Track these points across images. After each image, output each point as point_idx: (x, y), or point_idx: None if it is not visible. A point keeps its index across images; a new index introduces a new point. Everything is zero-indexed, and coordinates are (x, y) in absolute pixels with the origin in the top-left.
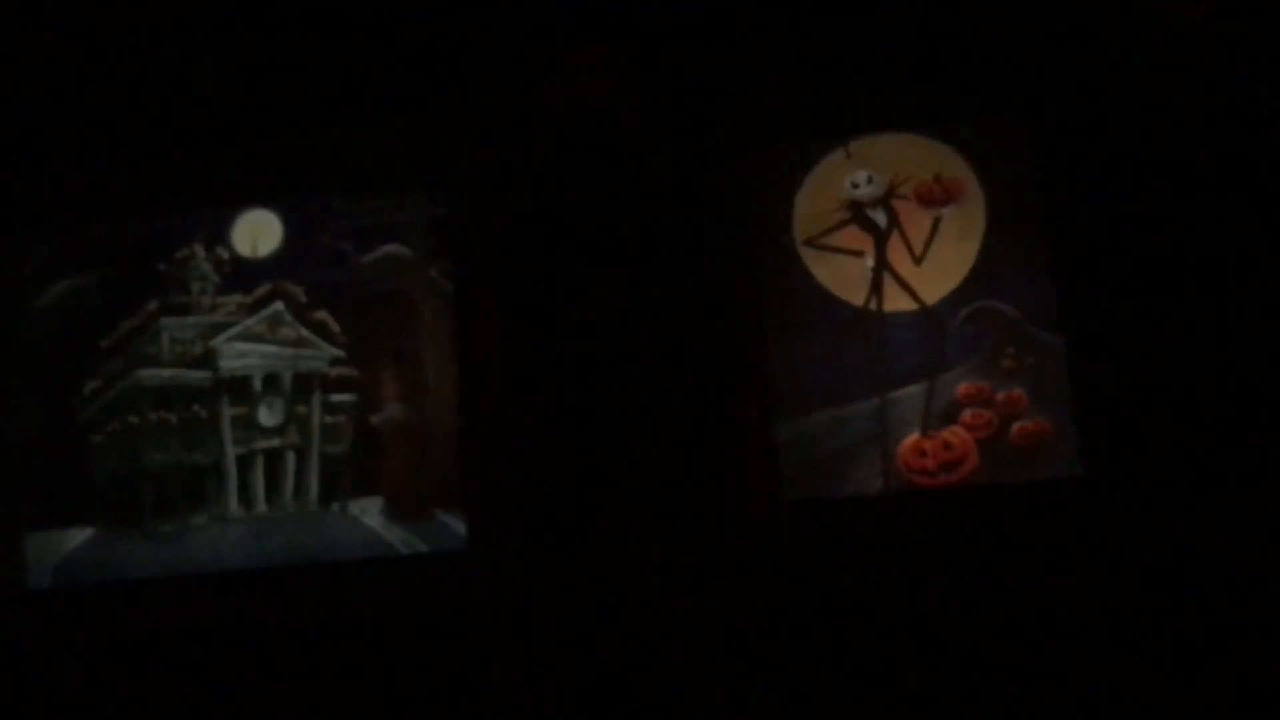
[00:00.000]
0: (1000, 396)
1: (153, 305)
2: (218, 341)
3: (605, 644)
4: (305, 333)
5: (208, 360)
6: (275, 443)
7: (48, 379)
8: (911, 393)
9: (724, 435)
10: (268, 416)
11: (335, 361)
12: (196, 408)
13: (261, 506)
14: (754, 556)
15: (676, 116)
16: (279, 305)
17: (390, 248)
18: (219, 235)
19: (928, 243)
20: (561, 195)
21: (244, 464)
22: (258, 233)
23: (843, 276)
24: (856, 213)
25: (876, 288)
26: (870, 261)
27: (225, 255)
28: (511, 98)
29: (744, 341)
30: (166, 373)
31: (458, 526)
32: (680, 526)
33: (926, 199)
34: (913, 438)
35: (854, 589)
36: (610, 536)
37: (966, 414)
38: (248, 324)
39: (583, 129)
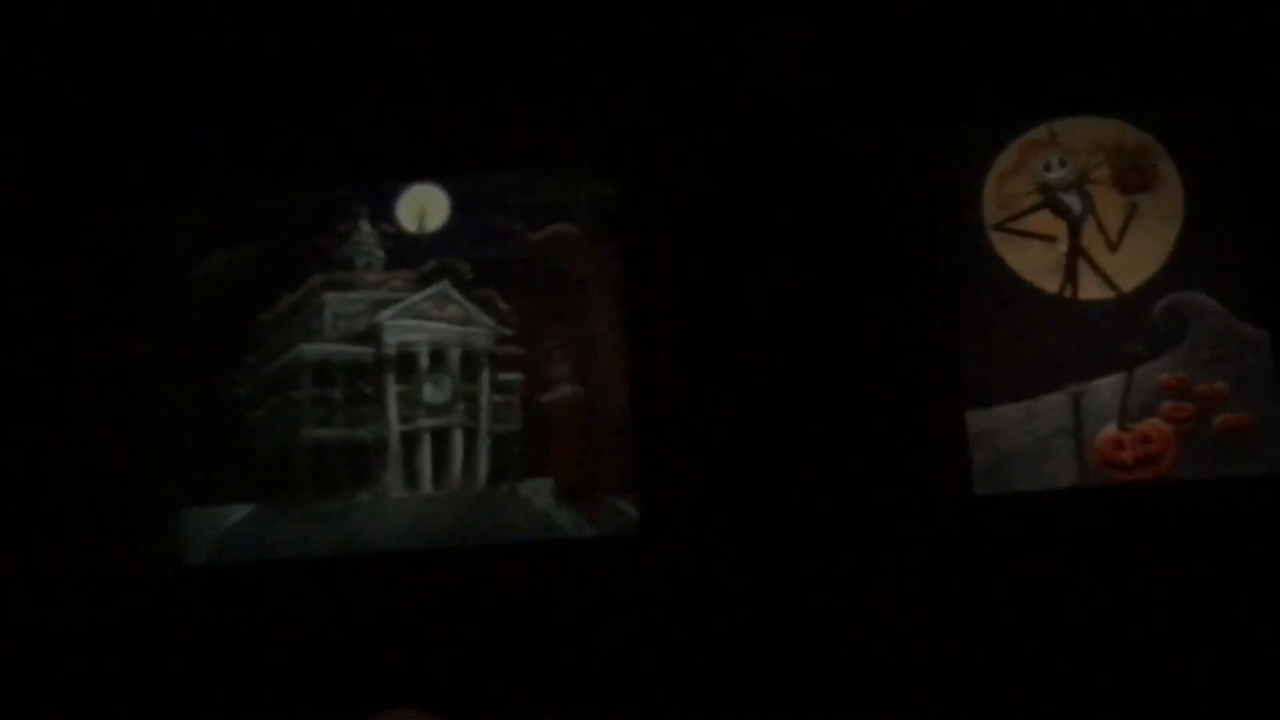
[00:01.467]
0: (1201, 389)
1: (316, 279)
2: (383, 317)
3: (778, 636)
4: (473, 309)
5: (372, 336)
6: (442, 421)
7: (204, 353)
8: (1108, 384)
9: (911, 426)
10: (434, 394)
11: (503, 340)
12: (360, 384)
13: (427, 486)
14: (942, 551)
15: (862, 95)
16: (445, 282)
17: (560, 226)
18: (384, 210)
19: (1124, 229)
20: (738, 175)
21: (409, 442)
22: (424, 208)
23: (1035, 262)
24: (1050, 197)
25: (1071, 275)
26: (1064, 247)
27: (390, 230)
28: (688, 74)
29: (932, 328)
30: (330, 348)
31: (629, 510)
32: (863, 518)
33: (1123, 184)
34: (1109, 430)
35: (1046, 586)
36: (788, 526)
37: (1166, 406)
38: (413, 300)
39: (762, 107)
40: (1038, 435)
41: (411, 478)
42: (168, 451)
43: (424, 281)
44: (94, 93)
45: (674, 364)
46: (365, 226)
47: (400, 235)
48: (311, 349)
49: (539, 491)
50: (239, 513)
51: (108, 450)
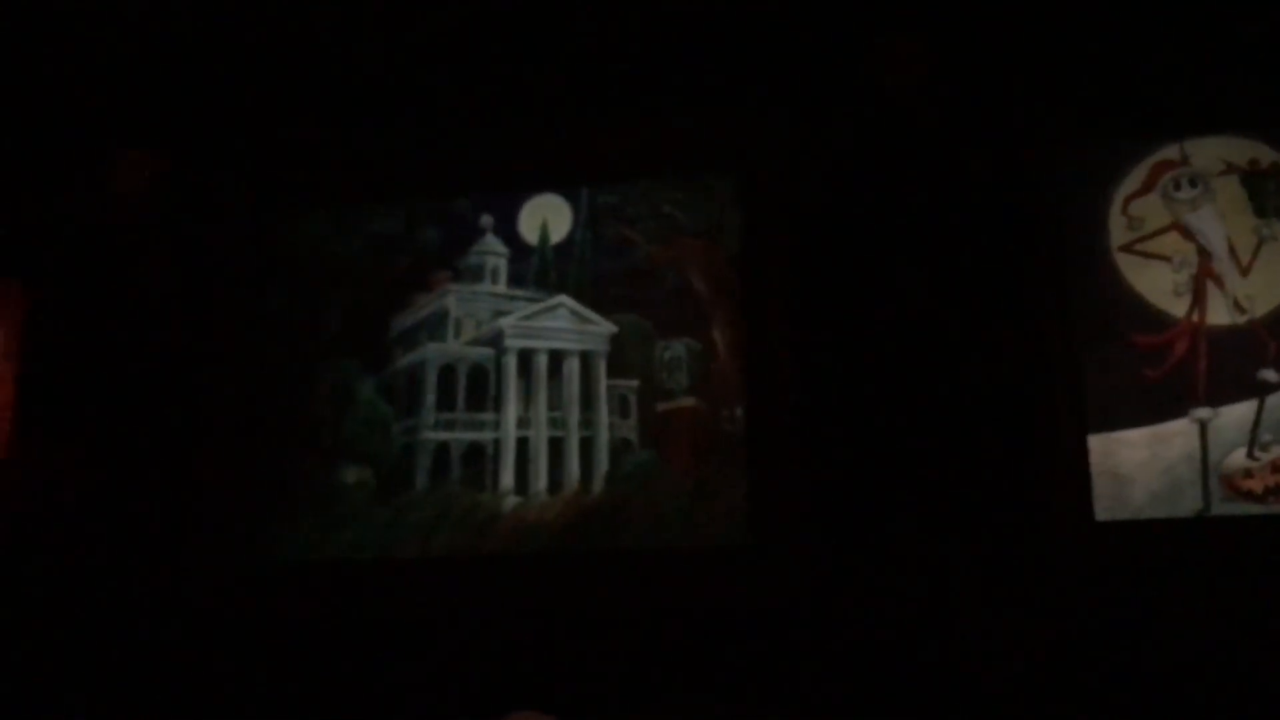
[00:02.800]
0: None
1: (442, 283)
2: (504, 323)
3: (888, 653)
4: (591, 315)
5: (494, 341)
6: (559, 428)
7: (337, 353)
8: (1237, 411)
9: (1031, 448)
10: (552, 401)
11: (621, 349)
12: (481, 388)
13: (543, 492)
14: (1060, 578)
15: (990, 110)
16: (563, 296)
17: (681, 238)
18: (509, 220)
19: (1256, 253)
20: (862, 189)
21: (526, 447)
22: (547, 218)
23: (1162, 285)
24: (1178, 219)
25: (1199, 299)
26: (1192, 270)
27: (514, 238)
28: (815, 87)
29: (1055, 349)
30: (454, 350)
31: (742, 521)
32: (981, 539)
33: (1257, 207)
34: (1237, 458)
35: (1167, 616)
36: (902, 543)
37: None
38: (534, 309)
39: (889, 122)
40: (1162, 461)
41: (527, 483)
42: (298, 449)
43: (545, 291)
44: (232, 104)
45: (790, 377)
46: (490, 236)
47: (523, 245)
48: (436, 350)
49: (653, 500)
50: (361, 511)
51: (242, 447)
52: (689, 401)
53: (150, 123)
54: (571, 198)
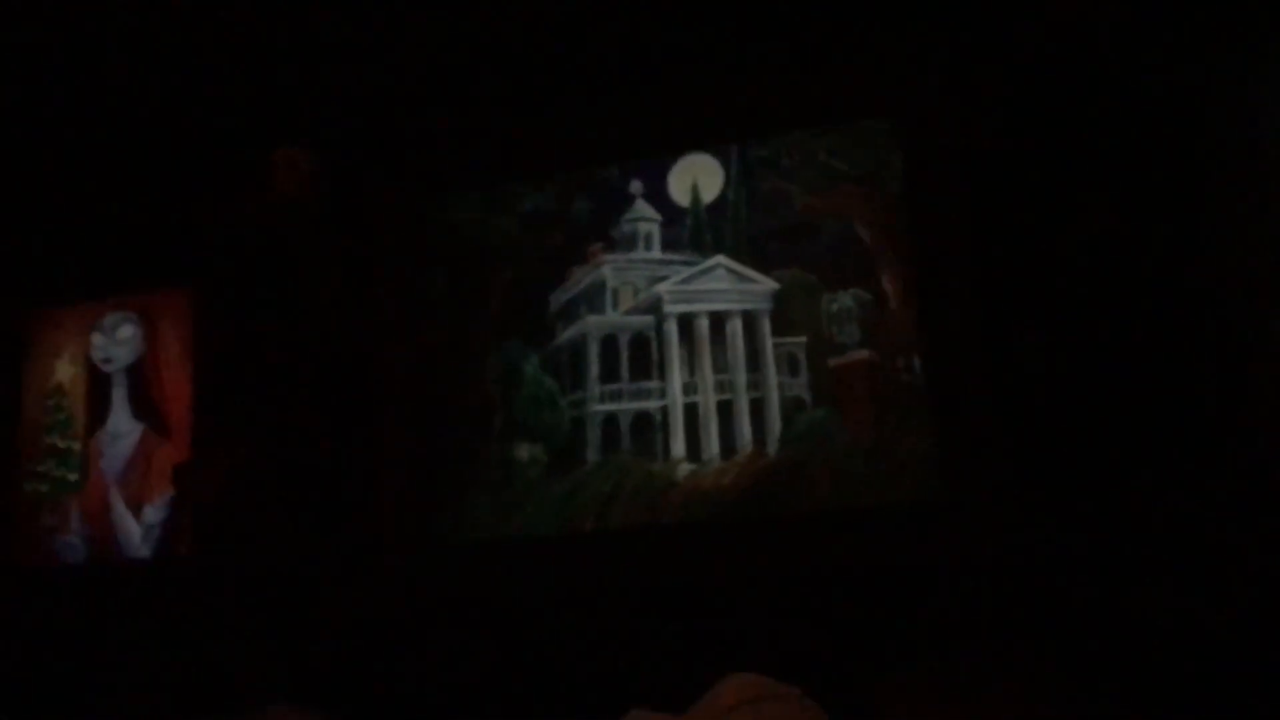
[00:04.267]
0: None
1: (597, 254)
2: (662, 289)
3: (1083, 619)
4: (751, 274)
5: (653, 308)
6: (726, 391)
7: (500, 331)
8: None
9: (1243, 391)
10: (718, 360)
11: (785, 306)
12: (644, 356)
13: (715, 458)
14: (1264, 556)
15: (1166, 18)
16: (720, 256)
17: (841, 186)
18: (658, 183)
19: None
20: (1029, 114)
21: (695, 413)
22: (699, 178)
23: None
24: None
25: None
26: None
27: (665, 202)
28: (970, 12)
29: (1258, 312)
30: (614, 320)
31: (929, 477)
32: (1181, 504)
33: None
34: None
35: None
36: (1098, 498)
37: None
38: (692, 271)
39: (1053, 39)
40: None
41: (699, 449)
42: (470, 431)
43: (701, 252)
44: (377, 94)
45: (970, 321)
46: (641, 202)
47: (675, 208)
48: (597, 322)
49: (833, 458)
50: (535, 488)
51: (416, 433)
52: (862, 354)
53: (300, 120)
54: (722, 155)
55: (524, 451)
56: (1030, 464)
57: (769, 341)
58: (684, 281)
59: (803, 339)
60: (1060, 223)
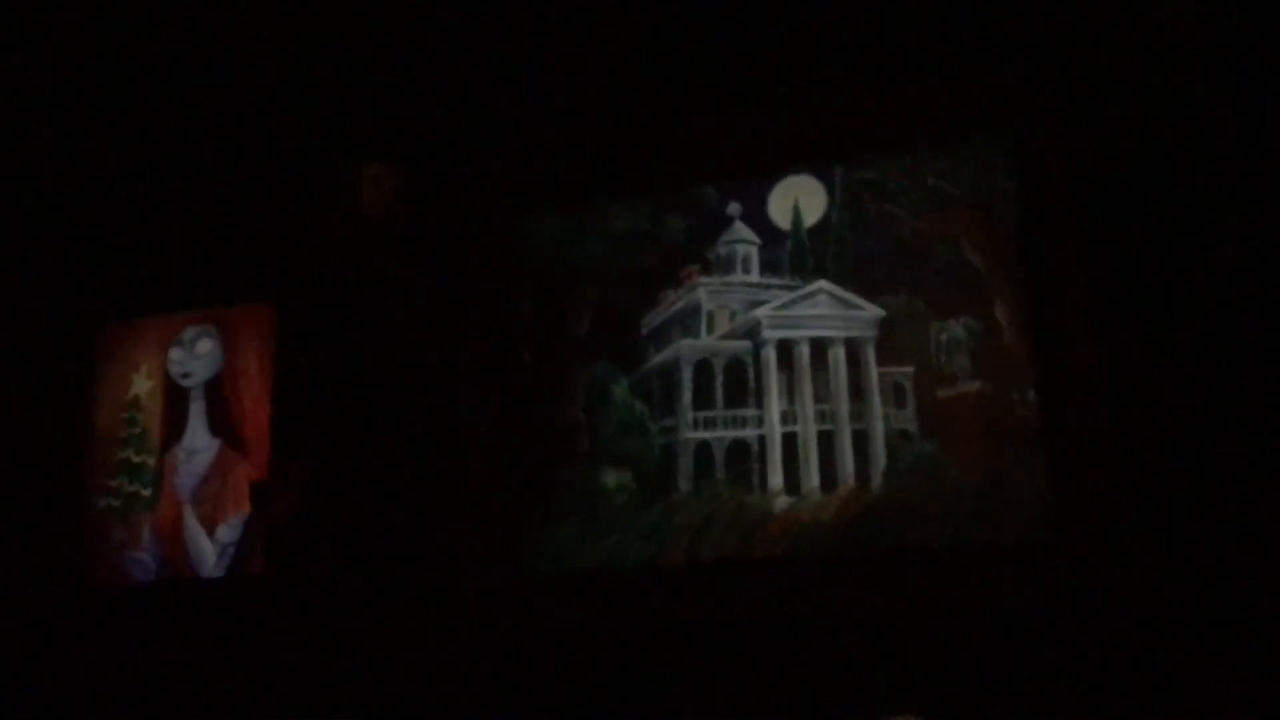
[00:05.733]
0: None
1: (692, 276)
2: (760, 313)
3: (1202, 660)
4: (855, 300)
5: (751, 333)
6: (827, 421)
7: (590, 354)
8: None
9: None
10: (819, 389)
11: (890, 334)
12: (740, 383)
13: (815, 491)
14: None
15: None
16: (822, 280)
17: (949, 209)
18: (758, 204)
19: None
20: (1150, 136)
21: (793, 444)
22: (799, 200)
23: None
24: None
25: None
26: None
27: (764, 224)
28: (1084, 29)
29: None
30: (709, 344)
31: (1041, 515)
32: None
33: None
34: None
35: None
36: (1217, 540)
37: None
38: (792, 296)
39: (1172, 56)
40: None
41: (798, 481)
42: (556, 455)
43: (802, 277)
44: (462, 110)
45: (1089, 354)
46: (739, 224)
47: (775, 230)
48: (690, 346)
49: (940, 495)
50: (623, 515)
51: (500, 456)
52: (973, 386)
53: (387, 136)
54: (825, 177)
55: (611, 478)
56: (1147, 506)
57: (874, 370)
58: (784, 306)
59: (910, 369)
60: (1183, 254)
